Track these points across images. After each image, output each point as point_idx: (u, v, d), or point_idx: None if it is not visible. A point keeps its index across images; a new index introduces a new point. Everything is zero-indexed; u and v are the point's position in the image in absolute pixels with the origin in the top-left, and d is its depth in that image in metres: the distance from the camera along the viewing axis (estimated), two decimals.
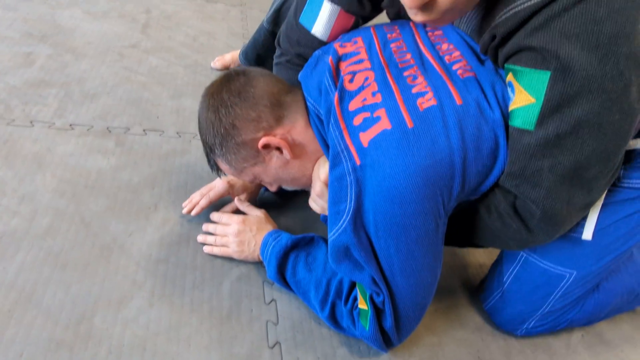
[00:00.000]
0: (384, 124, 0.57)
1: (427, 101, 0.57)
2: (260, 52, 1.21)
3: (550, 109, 0.51)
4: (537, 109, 0.52)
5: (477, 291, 0.85)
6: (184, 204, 0.84)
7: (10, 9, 1.31)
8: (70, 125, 0.97)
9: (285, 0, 1.10)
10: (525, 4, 0.49)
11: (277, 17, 1.12)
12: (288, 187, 0.78)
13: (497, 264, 0.79)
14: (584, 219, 0.65)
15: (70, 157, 0.90)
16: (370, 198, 0.57)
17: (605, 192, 0.64)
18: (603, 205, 0.64)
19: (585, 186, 0.55)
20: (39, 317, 0.64)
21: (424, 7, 0.50)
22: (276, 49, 0.87)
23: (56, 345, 0.61)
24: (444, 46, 0.66)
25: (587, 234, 0.65)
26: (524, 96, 0.52)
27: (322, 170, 0.68)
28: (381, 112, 0.58)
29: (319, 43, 0.77)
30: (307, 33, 0.77)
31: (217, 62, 1.31)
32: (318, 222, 0.91)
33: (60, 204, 0.80)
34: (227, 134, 0.67)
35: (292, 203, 0.94)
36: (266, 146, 0.67)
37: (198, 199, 0.84)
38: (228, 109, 0.65)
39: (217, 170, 0.75)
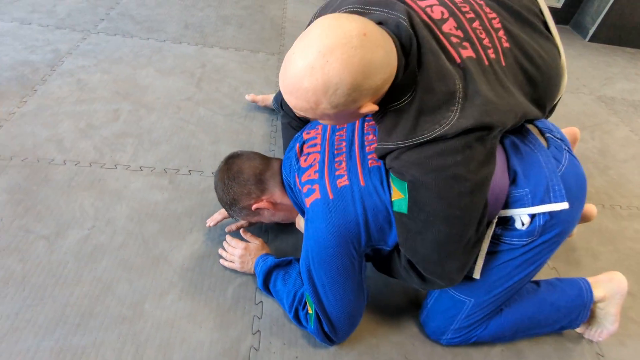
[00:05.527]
0: (317, 195, 0.87)
1: (343, 182, 0.86)
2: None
3: (413, 204, 0.76)
4: (406, 203, 0.77)
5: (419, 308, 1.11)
6: (207, 220, 1.20)
7: (106, 72, 1.78)
8: (140, 167, 1.39)
9: None
10: (390, 145, 0.74)
11: None
12: (280, 222, 1.13)
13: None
14: (474, 263, 0.90)
15: (138, 192, 1.30)
16: (307, 242, 0.88)
17: (489, 244, 0.88)
18: (488, 254, 0.89)
19: (450, 256, 0.79)
20: (113, 300, 1.02)
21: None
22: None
23: (122, 320, 0.99)
24: (370, 137, 0.94)
25: (476, 274, 0.90)
26: (398, 193, 0.79)
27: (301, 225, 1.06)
28: (316, 187, 0.88)
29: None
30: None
31: (249, 97, 1.68)
32: (300, 244, 1.23)
33: (130, 226, 1.20)
34: (231, 203, 1.04)
35: (284, 230, 1.27)
36: (258, 208, 1.02)
37: (216, 215, 1.19)
38: (228, 190, 1.02)
39: (234, 217, 1.12)
